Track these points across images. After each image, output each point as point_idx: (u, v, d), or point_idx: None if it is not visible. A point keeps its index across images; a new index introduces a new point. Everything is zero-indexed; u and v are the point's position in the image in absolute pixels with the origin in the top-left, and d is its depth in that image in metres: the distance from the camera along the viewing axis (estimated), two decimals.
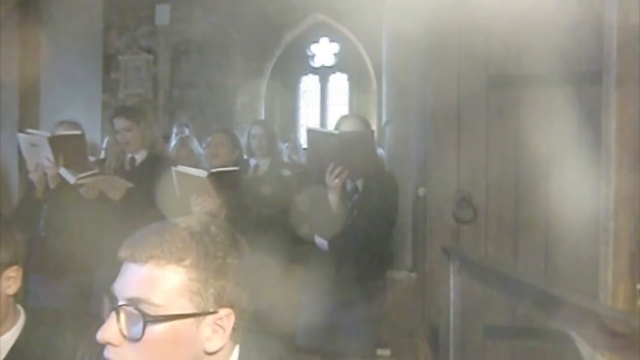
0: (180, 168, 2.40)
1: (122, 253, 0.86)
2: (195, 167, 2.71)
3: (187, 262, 0.84)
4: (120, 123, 2.77)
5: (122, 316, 0.83)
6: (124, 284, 0.84)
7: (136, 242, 0.86)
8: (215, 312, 0.85)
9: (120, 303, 0.84)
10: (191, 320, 0.84)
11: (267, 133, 3.14)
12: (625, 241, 1.69)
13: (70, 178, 2.55)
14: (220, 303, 0.86)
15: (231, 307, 0.87)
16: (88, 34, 6.10)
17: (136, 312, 0.82)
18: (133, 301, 0.83)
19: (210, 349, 0.87)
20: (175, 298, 0.83)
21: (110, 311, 0.84)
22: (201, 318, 0.84)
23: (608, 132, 1.74)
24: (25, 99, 3.85)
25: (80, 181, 2.54)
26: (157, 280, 0.83)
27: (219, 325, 0.86)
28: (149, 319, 0.81)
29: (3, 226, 1.28)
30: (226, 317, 0.86)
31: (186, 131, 4.74)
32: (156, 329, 0.82)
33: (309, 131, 2.45)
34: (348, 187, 2.44)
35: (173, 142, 4.08)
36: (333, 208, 2.33)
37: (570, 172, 2.35)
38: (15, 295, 1.30)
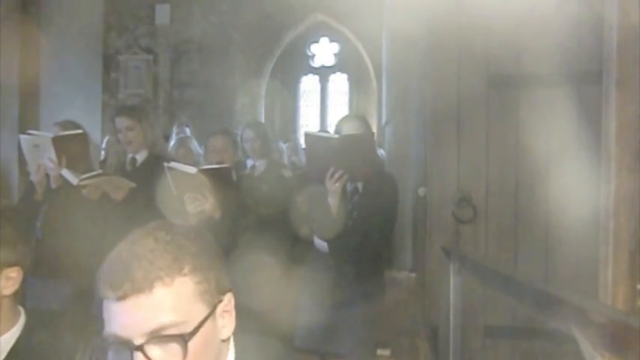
0: (173, 164, 2.40)
1: (117, 292, 0.79)
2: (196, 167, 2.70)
3: (187, 269, 0.83)
4: (122, 122, 2.77)
5: (153, 350, 0.79)
6: (138, 321, 0.79)
7: (127, 274, 0.80)
8: (221, 300, 0.88)
9: (140, 341, 0.79)
10: (210, 318, 0.85)
11: (259, 135, 3.13)
12: (625, 241, 1.69)
13: (73, 180, 2.55)
14: (221, 290, 0.88)
15: (229, 290, 0.91)
16: (88, 34, 6.10)
17: (170, 339, 0.80)
18: (159, 331, 0.79)
19: (225, 336, 0.90)
20: (193, 307, 0.83)
21: (132, 353, 0.79)
22: (215, 312, 0.87)
23: (608, 132, 1.74)
24: (25, 99, 3.86)
25: (83, 182, 2.54)
26: (171, 299, 0.81)
27: (227, 311, 0.90)
28: (188, 338, 0.80)
29: (9, 226, 1.27)
30: (229, 301, 0.90)
31: (187, 131, 4.74)
32: (191, 344, 0.81)
33: (307, 136, 2.44)
34: (349, 188, 2.44)
35: (172, 143, 4.07)
36: (333, 212, 2.33)
37: (570, 172, 2.35)
38: (15, 295, 1.30)
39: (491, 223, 2.59)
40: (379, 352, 2.98)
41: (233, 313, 0.90)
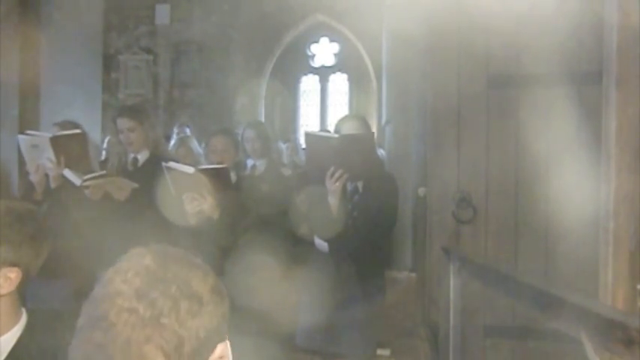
0: (171, 164, 2.41)
1: None
2: (194, 166, 2.71)
3: None
4: (124, 123, 2.77)
5: None
6: None
7: None
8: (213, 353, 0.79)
9: None
10: None
11: (260, 135, 3.13)
12: (625, 241, 1.69)
13: (76, 180, 2.55)
14: (211, 349, 0.79)
15: (222, 340, 0.81)
16: (88, 34, 6.10)
17: None
18: None
19: None
20: None
21: None
22: None
23: (608, 132, 1.74)
24: (25, 99, 3.85)
25: (86, 183, 2.54)
26: None
27: (221, 357, 0.81)
28: None
29: (18, 226, 1.27)
30: (222, 350, 0.81)
31: (187, 132, 4.75)
32: None
33: (307, 135, 2.45)
34: (349, 187, 2.44)
35: (172, 142, 4.08)
36: (334, 211, 2.33)
37: (570, 172, 2.35)
38: (18, 295, 1.30)
39: (491, 223, 2.59)
40: (379, 352, 2.98)
41: (229, 357, 0.83)
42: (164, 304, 0.75)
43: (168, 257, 0.81)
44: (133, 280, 0.76)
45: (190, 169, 2.34)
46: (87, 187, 2.56)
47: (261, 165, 3.13)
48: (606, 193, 1.74)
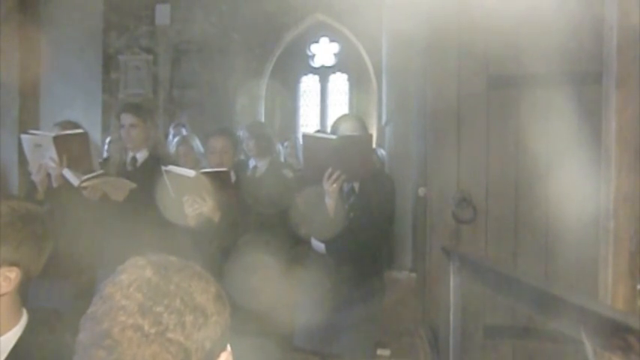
0: (170, 167, 2.40)
1: None
2: (195, 166, 2.71)
3: None
4: (127, 119, 2.77)
5: None
6: None
7: None
8: None
9: None
10: None
11: (253, 134, 3.14)
12: (625, 241, 1.69)
13: (74, 180, 2.55)
14: (215, 359, 0.78)
15: (224, 348, 0.80)
16: (88, 34, 6.11)
17: None
18: None
19: None
20: None
21: None
22: None
23: (608, 132, 1.74)
24: (25, 99, 3.86)
25: (84, 184, 2.54)
26: None
27: None
28: None
29: (19, 225, 1.27)
30: (226, 359, 0.80)
31: (183, 131, 4.72)
32: None
33: (305, 137, 2.45)
34: (345, 188, 2.44)
35: (174, 140, 4.07)
36: (330, 212, 2.33)
37: (570, 172, 2.35)
38: (19, 295, 1.30)
39: (491, 223, 2.59)
40: (379, 352, 2.98)
41: None
42: (169, 319, 0.73)
43: (169, 268, 0.78)
44: (134, 294, 0.74)
45: (191, 173, 2.33)
46: (85, 187, 2.56)
47: (262, 166, 3.13)
48: (606, 193, 1.74)
